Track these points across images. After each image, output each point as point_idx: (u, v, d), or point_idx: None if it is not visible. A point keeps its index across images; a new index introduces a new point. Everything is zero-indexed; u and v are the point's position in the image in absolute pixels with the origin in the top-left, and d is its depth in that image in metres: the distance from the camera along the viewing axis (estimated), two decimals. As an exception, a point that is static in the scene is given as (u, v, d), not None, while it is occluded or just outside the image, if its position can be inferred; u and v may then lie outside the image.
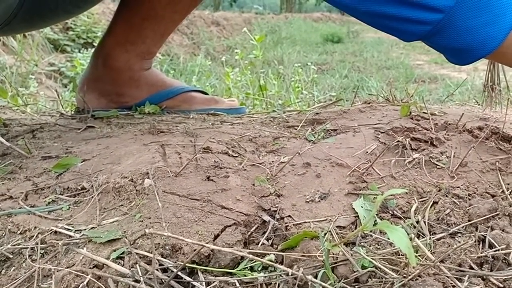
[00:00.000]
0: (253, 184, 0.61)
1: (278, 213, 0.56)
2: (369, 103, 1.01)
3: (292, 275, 0.46)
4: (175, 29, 1.04)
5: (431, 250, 0.51)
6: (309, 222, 0.56)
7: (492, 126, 0.73)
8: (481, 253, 0.50)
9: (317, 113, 0.91)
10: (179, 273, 0.47)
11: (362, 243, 0.53)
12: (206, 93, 1.10)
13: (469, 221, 0.55)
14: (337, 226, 0.55)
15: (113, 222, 0.56)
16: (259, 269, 0.50)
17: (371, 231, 0.55)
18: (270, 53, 4.84)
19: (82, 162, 0.71)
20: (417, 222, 0.56)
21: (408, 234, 0.51)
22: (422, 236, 0.54)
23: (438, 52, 0.59)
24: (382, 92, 1.05)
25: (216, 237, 0.52)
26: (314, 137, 0.77)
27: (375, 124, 0.81)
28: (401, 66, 4.33)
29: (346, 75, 3.93)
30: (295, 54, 4.94)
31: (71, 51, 3.52)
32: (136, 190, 0.59)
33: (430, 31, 0.56)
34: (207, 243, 0.50)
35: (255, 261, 0.50)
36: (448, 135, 0.72)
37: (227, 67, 2.40)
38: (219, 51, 5.16)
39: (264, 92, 1.81)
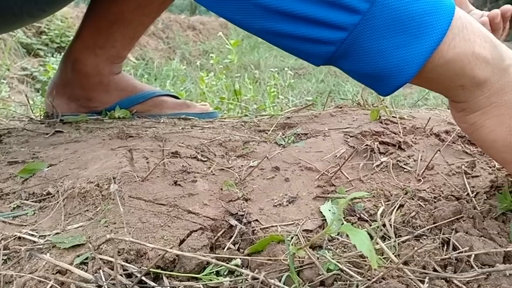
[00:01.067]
0: (221, 189, 0.61)
1: (246, 218, 0.56)
2: (340, 108, 1.02)
3: (256, 279, 0.46)
4: (145, 32, 1.03)
5: (396, 253, 0.51)
6: (277, 226, 0.55)
7: (458, 129, 0.75)
8: (445, 255, 0.50)
9: (288, 118, 0.92)
10: (143, 278, 0.47)
11: (328, 246, 0.53)
12: (177, 98, 1.10)
13: (434, 223, 0.56)
14: (304, 230, 0.55)
15: (78, 227, 0.55)
16: (225, 273, 0.50)
17: (338, 234, 0.55)
18: (247, 57, 4.85)
19: (48, 167, 0.70)
20: (383, 225, 0.56)
21: (372, 237, 0.52)
22: (388, 239, 0.55)
23: (356, 80, 0.52)
24: (358, 96, 1.05)
25: (181, 242, 0.52)
26: (284, 141, 0.77)
27: (345, 128, 0.82)
28: (377, 72, 4.37)
29: (322, 80, 3.96)
30: (272, 59, 4.96)
31: (44, 56, 3.46)
32: (102, 195, 0.58)
33: (334, 53, 0.47)
34: (171, 248, 0.49)
35: (221, 266, 0.49)
36: (415, 139, 0.74)
37: (202, 71, 2.40)
38: (195, 55, 5.14)
39: (239, 97, 1.81)
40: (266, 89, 2.31)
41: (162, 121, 0.96)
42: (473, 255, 0.48)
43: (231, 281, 0.47)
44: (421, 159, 0.68)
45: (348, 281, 0.47)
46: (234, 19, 0.50)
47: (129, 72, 2.90)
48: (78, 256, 0.50)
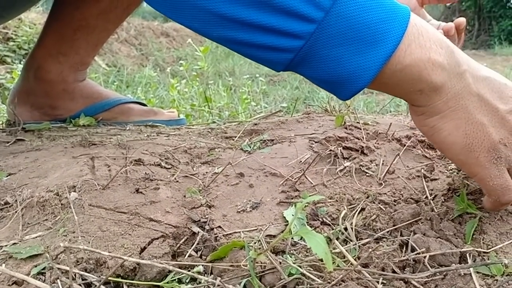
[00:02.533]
0: (184, 196, 0.61)
1: (208, 224, 0.56)
2: (308, 114, 1.03)
3: (218, 285, 0.45)
4: (109, 37, 1.02)
5: (356, 255, 0.52)
6: (240, 232, 0.56)
7: (419, 134, 0.76)
8: (403, 256, 0.51)
9: (256, 124, 0.92)
10: (102, 287, 0.46)
11: (291, 251, 0.54)
12: (144, 105, 1.09)
13: (393, 226, 0.57)
14: (267, 235, 0.56)
15: (36, 237, 0.54)
16: (187, 281, 0.49)
17: (301, 239, 0.56)
18: (222, 64, 4.84)
19: (7, 176, 0.68)
20: (345, 228, 0.57)
21: (330, 240, 0.52)
22: (350, 242, 0.55)
23: (316, 85, 0.52)
24: (332, 102, 1.07)
25: (142, 250, 0.51)
26: (250, 148, 0.78)
27: (310, 134, 0.83)
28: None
29: (297, 87, 3.99)
30: (247, 66, 4.97)
31: (11, 62, 3.38)
32: (61, 204, 0.57)
33: (292, 60, 0.48)
34: (130, 256, 0.49)
35: (183, 274, 0.49)
36: (378, 143, 0.75)
37: (175, 78, 2.38)
38: (168, 62, 5.11)
39: (210, 104, 1.81)
40: (240, 96, 2.32)
41: (128, 128, 0.95)
42: (427, 256, 0.49)
43: (192, 288, 0.47)
44: (382, 164, 0.70)
45: (309, 285, 0.47)
46: (193, 27, 0.50)
47: (100, 79, 2.86)
48: (36, 266, 0.49)
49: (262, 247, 0.53)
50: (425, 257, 0.51)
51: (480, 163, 0.52)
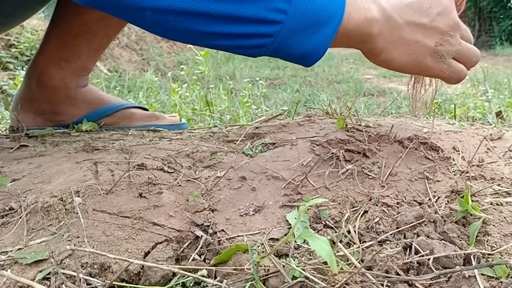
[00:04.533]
0: (187, 200, 0.61)
1: (211, 228, 0.56)
2: (309, 117, 1.03)
3: (221, 289, 0.46)
4: (110, 43, 1.03)
5: (360, 258, 0.52)
6: (243, 235, 0.56)
7: (421, 137, 0.76)
8: (407, 259, 0.51)
9: (257, 127, 0.92)
10: (106, 292, 0.46)
11: (294, 254, 0.54)
12: (146, 110, 1.09)
13: (397, 228, 0.57)
14: (270, 239, 0.56)
15: (40, 242, 0.54)
16: (191, 285, 0.49)
17: (304, 242, 0.56)
18: (222, 68, 4.85)
19: (11, 182, 0.69)
20: (348, 231, 0.57)
21: (334, 242, 0.53)
22: (353, 245, 0.55)
23: (284, 60, 0.66)
24: (333, 105, 1.07)
25: (146, 254, 0.51)
26: (252, 151, 0.78)
27: (312, 137, 0.83)
28: (351, 80, 4.44)
29: (297, 90, 3.99)
30: (247, 69, 4.98)
31: (14, 69, 3.39)
32: (66, 209, 0.57)
33: (266, 51, 0.62)
34: (134, 259, 0.49)
35: (187, 277, 0.49)
36: (380, 146, 0.75)
37: (176, 82, 2.39)
38: (169, 66, 5.12)
39: (211, 108, 1.81)
40: (241, 99, 2.32)
41: (130, 133, 0.95)
42: (431, 258, 0.49)
43: (196, 292, 0.47)
44: (385, 166, 0.70)
45: (312, 288, 0.47)
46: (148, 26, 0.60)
47: (102, 85, 2.87)
48: (41, 271, 0.49)
49: (266, 250, 0.53)
50: (429, 259, 0.51)
51: (431, 66, 0.70)
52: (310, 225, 0.59)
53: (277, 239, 0.56)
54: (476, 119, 1.36)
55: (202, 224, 0.56)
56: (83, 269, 0.49)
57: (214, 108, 1.99)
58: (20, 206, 0.61)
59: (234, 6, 0.57)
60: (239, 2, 0.57)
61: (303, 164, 0.72)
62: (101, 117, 1.03)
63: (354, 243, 0.55)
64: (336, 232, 0.58)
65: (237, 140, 0.86)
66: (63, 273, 0.48)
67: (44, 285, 0.48)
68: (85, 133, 0.98)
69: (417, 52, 0.68)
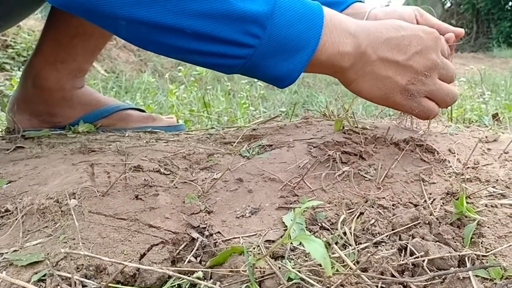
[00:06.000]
0: (183, 202, 0.61)
1: (208, 230, 0.56)
2: (306, 119, 1.03)
3: (217, 291, 0.46)
4: (106, 44, 1.03)
5: (355, 260, 0.52)
6: (239, 237, 0.56)
7: (417, 139, 0.77)
8: (402, 260, 0.52)
9: (254, 129, 0.93)
10: (102, 294, 0.46)
11: (290, 256, 0.54)
12: (143, 111, 1.09)
13: (392, 230, 0.57)
14: (266, 241, 0.56)
15: (36, 244, 0.54)
16: (187, 286, 0.49)
17: (300, 244, 0.56)
18: (220, 69, 4.84)
19: (7, 183, 0.69)
20: (344, 233, 0.57)
21: (329, 244, 0.53)
22: (349, 246, 0.56)
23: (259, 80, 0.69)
24: (331, 107, 1.07)
25: (142, 256, 0.51)
26: (249, 153, 0.78)
27: (309, 139, 0.83)
28: (349, 82, 4.42)
29: (296, 91, 3.99)
30: (245, 71, 4.96)
31: (10, 69, 3.38)
32: (61, 211, 0.57)
33: (239, 70, 0.64)
34: (129, 261, 0.49)
35: (183, 279, 0.49)
36: (376, 148, 0.75)
37: (174, 84, 2.39)
38: (167, 68, 5.11)
39: (209, 109, 1.81)
40: (238, 101, 2.32)
41: (127, 135, 0.95)
42: (426, 260, 0.49)
43: (191, 294, 0.47)
44: (381, 168, 0.70)
45: (308, 290, 0.47)
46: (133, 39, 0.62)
47: (99, 86, 2.86)
48: (36, 273, 0.49)
49: (261, 252, 0.53)
50: (423, 261, 0.51)
51: (399, 103, 0.71)
52: (306, 227, 0.59)
53: (273, 241, 0.56)
54: (472, 121, 1.37)
55: (198, 226, 0.56)
56: (79, 271, 0.49)
57: (212, 109, 1.99)
58: (16, 207, 0.61)
59: (209, 25, 0.57)
60: (214, 22, 0.57)
61: (299, 166, 0.72)
62: (98, 118, 1.03)
63: (350, 245, 0.56)
64: (332, 234, 0.58)
65: (234, 142, 0.86)
66: (58, 275, 0.48)
67: (39, 287, 0.48)
68: (82, 134, 0.98)
69: (387, 87, 0.70)
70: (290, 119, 1.03)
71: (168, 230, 0.55)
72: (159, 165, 0.70)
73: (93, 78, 3.25)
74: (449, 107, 1.60)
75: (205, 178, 0.68)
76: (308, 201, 0.64)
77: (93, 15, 0.58)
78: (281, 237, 0.57)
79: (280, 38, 0.62)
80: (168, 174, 0.68)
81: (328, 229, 0.59)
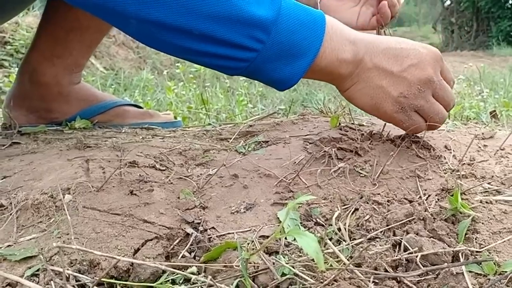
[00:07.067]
0: (178, 197, 0.61)
1: (202, 225, 0.56)
2: (304, 115, 1.03)
3: (210, 285, 0.46)
4: (103, 38, 1.03)
5: (349, 255, 0.52)
6: (233, 233, 0.56)
7: (413, 135, 0.76)
8: (395, 256, 0.52)
9: (251, 126, 0.92)
10: (95, 289, 0.46)
11: (284, 252, 0.54)
12: (140, 107, 1.09)
13: (387, 226, 0.57)
14: (260, 236, 0.56)
15: (30, 239, 0.54)
16: (181, 281, 0.49)
17: (294, 239, 0.56)
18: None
19: (2, 179, 0.69)
20: (339, 229, 0.57)
21: (322, 239, 0.53)
22: (343, 242, 0.56)
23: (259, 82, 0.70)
24: (330, 104, 1.07)
25: (136, 251, 0.51)
26: (245, 149, 0.78)
27: (305, 135, 0.83)
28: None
29: (295, 89, 3.98)
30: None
31: (9, 66, 3.38)
32: (56, 206, 0.57)
33: (242, 72, 0.65)
34: (123, 256, 0.49)
35: (177, 274, 0.49)
36: (372, 144, 0.75)
37: (173, 81, 2.38)
38: (165, 65, 5.10)
39: (207, 106, 1.80)
40: (237, 98, 2.31)
41: (123, 131, 0.95)
42: (419, 255, 0.49)
43: (185, 288, 0.47)
44: (376, 164, 0.70)
45: (301, 285, 0.47)
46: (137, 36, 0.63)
47: (98, 83, 2.86)
48: (30, 268, 0.49)
49: (256, 247, 0.53)
50: (417, 256, 0.51)
51: (389, 114, 0.70)
52: (301, 223, 0.59)
53: (268, 237, 0.56)
54: (470, 118, 1.37)
55: (193, 221, 0.56)
56: (72, 266, 0.49)
57: (210, 106, 1.98)
58: (11, 203, 0.61)
59: (216, 28, 0.59)
60: (221, 25, 0.59)
61: (295, 162, 0.72)
62: (95, 114, 1.03)
63: (344, 241, 0.56)
64: (326, 229, 0.58)
65: (230, 138, 0.86)
66: (52, 270, 0.48)
67: (32, 281, 0.48)
68: (78, 130, 0.97)
69: (379, 97, 0.69)
70: (287, 115, 1.03)
71: (163, 226, 0.55)
72: (154, 160, 0.70)
73: (92, 75, 3.24)
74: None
75: (201, 174, 0.68)
76: (302, 196, 0.64)
77: (104, 12, 0.60)
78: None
79: (283, 43, 0.63)
80: (164, 170, 0.68)
81: (322, 225, 0.59)
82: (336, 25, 0.68)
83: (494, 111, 1.43)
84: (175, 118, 1.16)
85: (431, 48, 0.71)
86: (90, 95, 1.04)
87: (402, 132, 0.80)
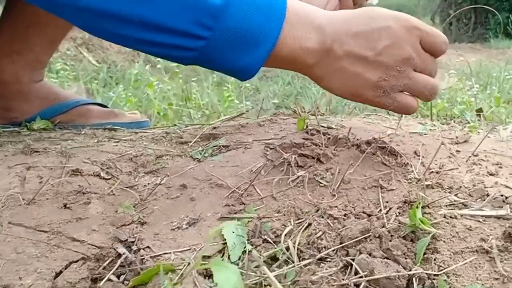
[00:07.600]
0: (116, 211, 0.56)
1: (136, 244, 0.51)
2: (276, 115, 0.98)
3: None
4: (67, 34, 0.97)
5: (293, 279, 0.48)
6: (170, 252, 0.51)
7: (380, 140, 0.72)
8: (343, 280, 0.47)
9: (215, 128, 0.88)
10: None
11: (225, 273, 0.49)
12: (105, 106, 1.04)
13: (340, 243, 0.53)
14: (202, 256, 0.51)
15: (-50, 260, 0.50)
16: (106, 308, 0.45)
17: (239, 259, 0.52)
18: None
19: None
20: (287, 248, 0.53)
21: (276, 258, 0.48)
22: (291, 263, 0.51)
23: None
24: (323, 99, 1.02)
25: (57, 275, 0.47)
26: (201, 155, 0.73)
27: (269, 139, 0.78)
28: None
29: (289, 82, 3.92)
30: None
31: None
32: (-20, 222, 0.53)
33: (194, 61, 0.60)
34: (43, 281, 0.44)
35: (101, 301, 0.45)
36: (336, 150, 0.70)
37: (167, 73, 2.32)
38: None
39: (188, 103, 1.75)
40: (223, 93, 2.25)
41: (83, 132, 0.91)
42: (369, 280, 0.45)
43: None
44: (338, 172, 0.65)
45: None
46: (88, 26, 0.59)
47: (90, 76, 2.80)
48: None
49: (192, 271, 0.48)
50: (368, 281, 0.46)
51: (372, 99, 0.67)
52: (248, 240, 0.54)
53: (209, 257, 0.52)
54: (454, 117, 1.32)
55: (126, 239, 0.52)
56: (-15, 292, 0.44)
57: (196, 102, 1.93)
58: None
59: (157, 14, 0.55)
60: (162, 10, 0.55)
61: (252, 170, 0.67)
62: (56, 114, 0.98)
63: (292, 261, 0.51)
64: (275, 247, 0.53)
65: (190, 142, 0.81)
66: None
67: None
68: (37, 132, 0.93)
69: (358, 84, 0.65)
70: (258, 115, 0.98)
71: (92, 245, 0.50)
72: (100, 168, 0.65)
73: (84, 68, 3.17)
74: (439, 100, 1.55)
75: (148, 183, 0.63)
76: (256, 210, 0.60)
77: (49, 4, 0.58)
78: (220, 251, 0.53)
79: (236, 29, 0.58)
80: (108, 179, 0.63)
81: (271, 243, 0.54)
82: (300, 9, 0.62)
83: (481, 109, 1.38)
84: (149, 117, 1.11)
85: (403, 20, 0.65)
86: (52, 93, 0.99)
87: (370, 136, 0.76)
